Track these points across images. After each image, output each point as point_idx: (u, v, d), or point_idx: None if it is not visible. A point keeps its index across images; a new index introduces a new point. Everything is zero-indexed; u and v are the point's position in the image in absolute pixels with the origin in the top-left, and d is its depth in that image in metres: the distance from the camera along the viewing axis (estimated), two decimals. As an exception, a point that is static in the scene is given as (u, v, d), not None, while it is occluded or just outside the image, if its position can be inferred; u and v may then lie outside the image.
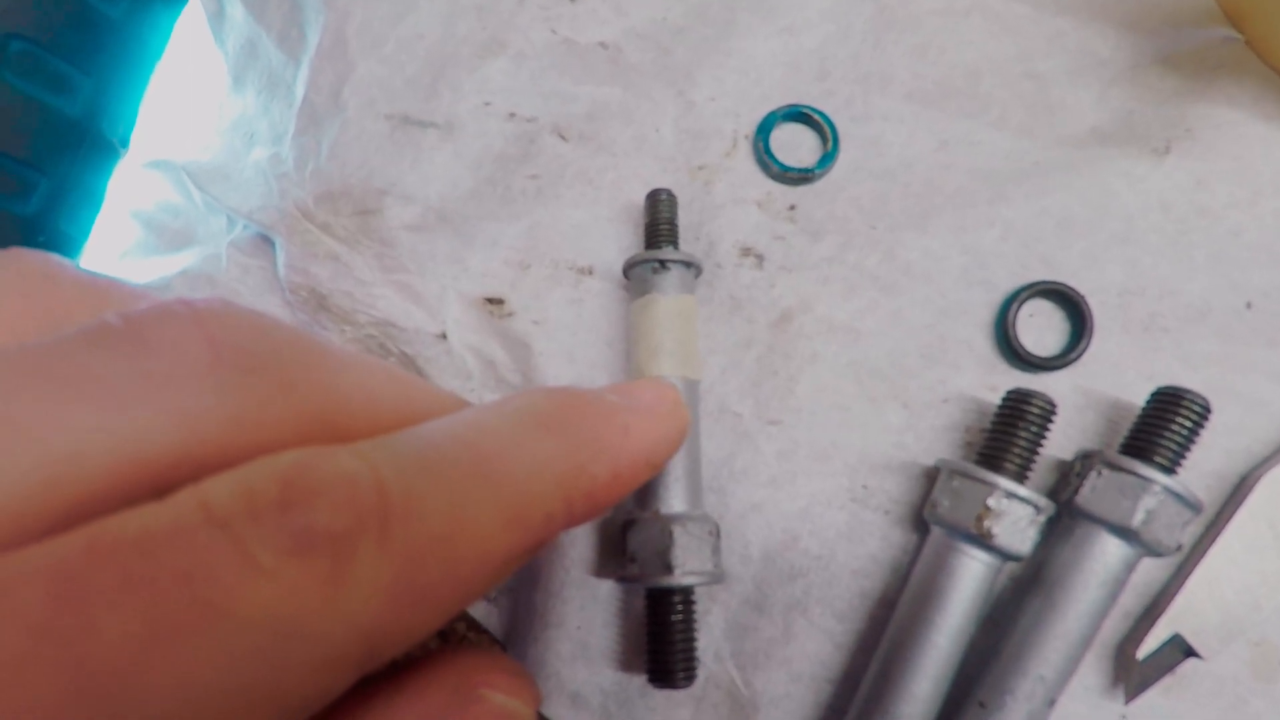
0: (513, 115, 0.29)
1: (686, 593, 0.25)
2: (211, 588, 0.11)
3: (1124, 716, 0.25)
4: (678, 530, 0.24)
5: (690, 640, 0.24)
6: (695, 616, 0.25)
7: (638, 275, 0.27)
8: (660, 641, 0.24)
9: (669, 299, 0.26)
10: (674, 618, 0.24)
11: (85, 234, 0.34)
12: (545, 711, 0.26)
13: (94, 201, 0.34)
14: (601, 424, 0.18)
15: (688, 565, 0.24)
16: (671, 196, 0.28)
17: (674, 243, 0.27)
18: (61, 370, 0.13)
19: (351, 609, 0.12)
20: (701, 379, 0.27)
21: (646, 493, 0.25)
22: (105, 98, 0.34)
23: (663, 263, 0.26)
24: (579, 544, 0.27)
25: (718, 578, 0.25)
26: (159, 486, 0.13)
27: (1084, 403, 0.27)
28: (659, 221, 0.27)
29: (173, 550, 0.11)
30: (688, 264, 0.27)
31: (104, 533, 0.12)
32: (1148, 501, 0.22)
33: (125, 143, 0.34)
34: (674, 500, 0.25)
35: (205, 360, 0.13)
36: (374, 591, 0.12)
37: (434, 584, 0.14)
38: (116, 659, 0.10)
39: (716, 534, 0.25)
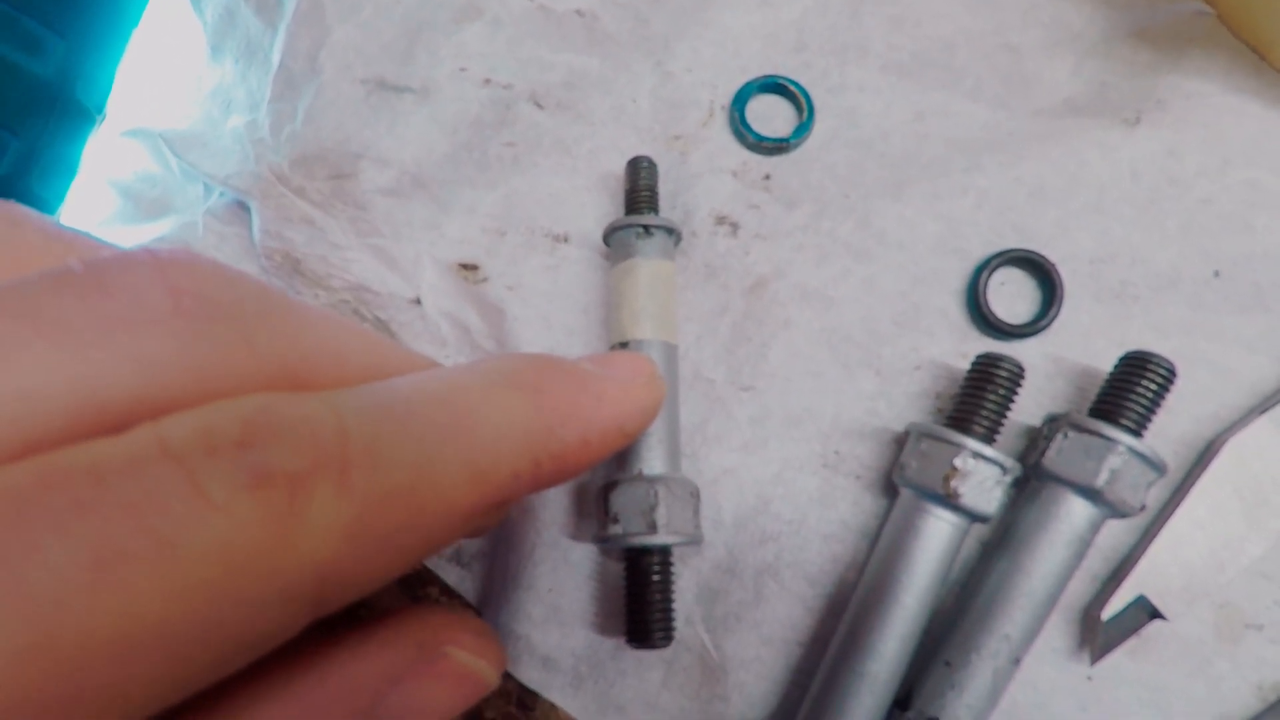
0: (488, 81, 0.29)
1: (665, 553, 0.25)
2: (161, 519, 0.11)
3: (1090, 678, 0.25)
4: (662, 490, 0.24)
5: (668, 600, 0.25)
6: (673, 578, 0.25)
7: (619, 240, 0.27)
8: (639, 601, 0.24)
9: (651, 263, 0.26)
10: (654, 577, 0.24)
11: (59, 199, 0.34)
12: (517, 675, 0.26)
13: (68, 167, 0.34)
14: (575, 389, 0.18)
15: (671, 525, 0.24)
16: (652, 164, 0.28)
17: (654, 209, 0.27)
18: (20, 311, 0.13)
19: (305, 547, 0.12)
20: (679, 344, 0.28)
21: (628, 454, 0.25)
22: (79, 61, 0.33)
23: (646, 228, 0.26)
24: (551, 506, 0.27)
25: (698, 539, 0.25)
26: (116, 429, 0.13)
27: (1054, 370, 0.27)
28: (639, 188, 0.27)
29: (124, 481, 0.11)
30: (669, 230, 0.27)
31: (56, 461, 0.12)
32: (1112, 461, 0.23)
33: (101, 109, 0.34)
34: (655, 462, 0.25)
35: (166, 308, 0.13)
36: (330, 532, 0.12)
37: (393, 531, 0.14)
38: (61, 586, 0.10)
39: (697, 496, 0.25)
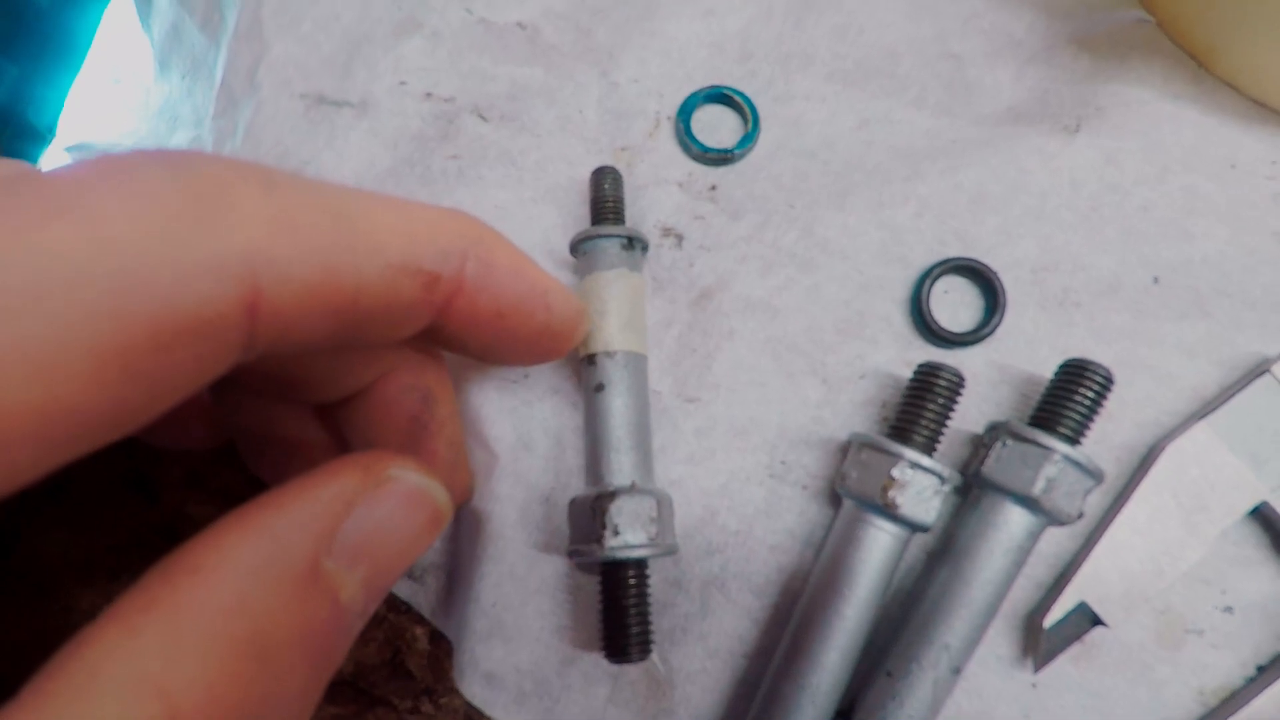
0: (429, 95, 0.29)
1: (641, 566, 0.24)
2: None
3: (1034, 685, 0.25)
4: (636, 504, 0.24)
5: (645, 613, 0.24)
6: (649, 589, 0.25)
7: (596, 250, 0.26)
8: (619, 614, 0.24)
9: (633, 276, 0.26)
10: (630, 591, 0.24)
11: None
12: (461, 691, 0.26)
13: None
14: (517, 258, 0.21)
15: (651, 538, 0.24)
16: (618, 174, 0.27)
17: (621, 220, 0.27)
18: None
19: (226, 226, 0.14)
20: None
21: (600, 467, 0.25)
22: (32, 85, 0.34)
23: (630, 240, 0.26)
24: (496, 519, 0.27)
25: (672, 549, 0.25)
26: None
27: (998, 377, 0.27)
28: (606, 198, 0.27)
29: None
30: (645, 244, 0.27)
31: None
32: (1048, 470, 0.23)
33: (53, 129, 0.34)
34: (629, 474, 0.25)
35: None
36: (254, 219, 0.14)
37: (314, 219, 0.15)
38: None
39: (670, 507, 0.25)
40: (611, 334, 0.26)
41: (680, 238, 0.29)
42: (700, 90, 0.30)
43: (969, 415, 0.26)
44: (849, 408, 0.27)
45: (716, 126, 0.30)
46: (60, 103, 0.35)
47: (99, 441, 0.13)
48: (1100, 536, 0.25)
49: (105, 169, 0.13)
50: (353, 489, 0.17)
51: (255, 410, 0.24)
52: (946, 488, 0.24)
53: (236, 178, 0.14)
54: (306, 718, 0.16)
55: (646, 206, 0.29)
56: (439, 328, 0.19)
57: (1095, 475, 0.23)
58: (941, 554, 0.25)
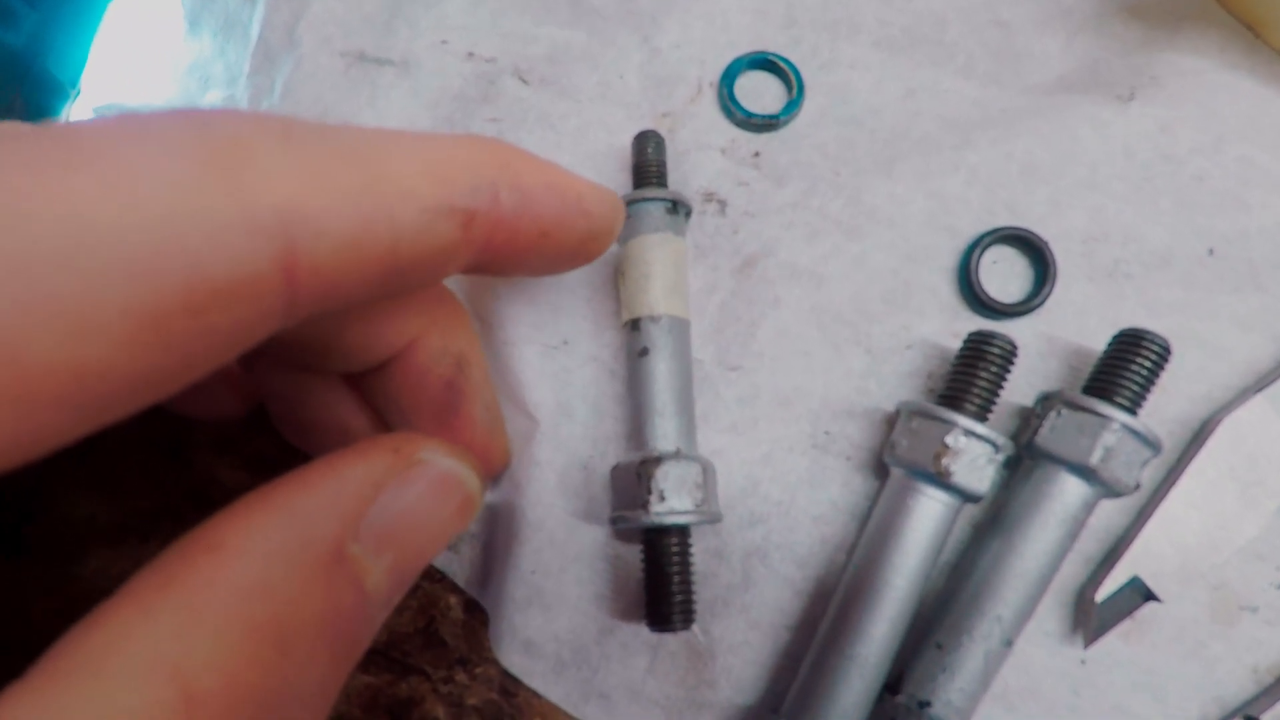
0: (471, 54, 0.28)
1: (685, 533, 0.24)
2: None
3: (1083, 661, 0.24)
4: (682, 469, 0.23)
5: (689, 581, 0.24)
6: (691, 557, 0.24)
7: (646, 212, 0.26)
8: (660, 583, 0.23)
9: (677, 239, 0.26)
10: (674, 558, 0.24)
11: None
12: (499, 658, 0.26)
13: (41, 140, 0.33)
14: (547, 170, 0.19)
15: (697, 504, 0.23)
16: (660, 139, 0.27)
17: (664, 184, 0.27)
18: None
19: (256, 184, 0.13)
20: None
21: (644, 432, 0.25)
22: (50, 32, 0.33)
23: (674, 203, 0.26)
24: (535, 484, 0.26)
25: (717, 517, 0.24)
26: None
27: (1047, 349, 0.26)
28: (649, 162, 0.26)
29: None
30: (689, 208, 0.27)
31: None
32: (1106, 439, 0.22)
33: (75, 83, 0.33)
34: (673, 440, 0.24)
35: None
36: (281, 176, 0.13)
37: (350, 180, 0.14)
38: None
39: (714, 474, 0.25)
40: (656, 298, 0.25)
41: (723, 204, 0.28)
42: (744, 56, 0.29)
43: (1017, 387, 0.26)
44: (894, 378, 0.27)
45: (760, 93, 0.29)
46: (83, 55, 0.34)
47: (130, 407, 0.12)
48: (1154, 510, 0.24)
49: (127, 125, 0.13)
50: (382, 471, 0.16)
51: (285, 381, 0.23)
52: (1000, 456, 0.23)
53: (256, 132, 0.13)
54: (325, 711, 0.15)
55: (689, 172, 0.29)
56: (483, 261, 0.18)
57: (1154, 445, 0.23)
58: (993, 525, 0.24)
